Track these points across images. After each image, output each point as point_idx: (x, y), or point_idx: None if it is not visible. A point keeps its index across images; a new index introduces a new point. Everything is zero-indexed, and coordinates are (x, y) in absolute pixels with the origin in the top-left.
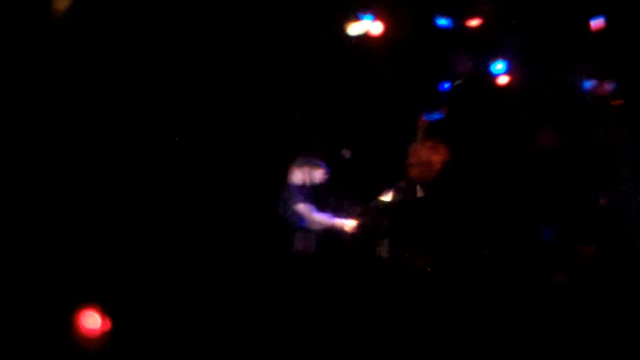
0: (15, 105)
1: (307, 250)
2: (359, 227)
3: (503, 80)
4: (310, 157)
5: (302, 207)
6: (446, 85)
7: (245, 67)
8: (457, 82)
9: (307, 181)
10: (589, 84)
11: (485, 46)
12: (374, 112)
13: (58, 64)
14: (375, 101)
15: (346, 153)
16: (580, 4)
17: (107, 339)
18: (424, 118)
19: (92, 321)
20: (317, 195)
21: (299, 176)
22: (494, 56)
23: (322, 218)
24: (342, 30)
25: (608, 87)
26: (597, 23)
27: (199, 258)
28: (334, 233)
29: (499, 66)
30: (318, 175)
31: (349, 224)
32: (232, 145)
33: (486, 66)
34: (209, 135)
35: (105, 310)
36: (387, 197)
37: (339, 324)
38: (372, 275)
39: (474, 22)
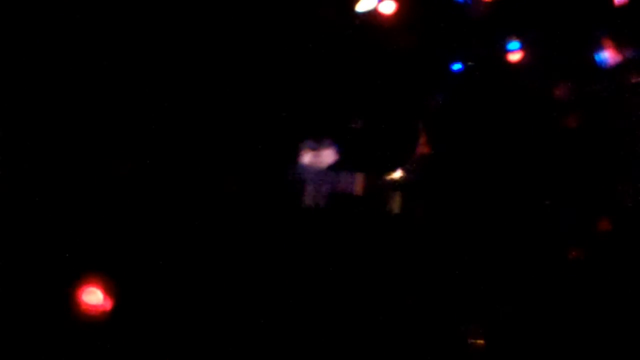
0: (15, 105)
1: (315, 205)
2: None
3: (517, 56)
4: (319, 137)
5: (308, 187)
6: (459, 66)
7: (255, 40)
8: (470, 63)
9: (317, 161)
10: (610, 60)
11: (501, 23)
12: (384, 91)
13: (58, 64)
14: (386, 81)
15: (357, 125)
16: None
17: (110, 316)
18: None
19: (94, 298)
20: (326, 176)
21: (308, 156)
22: (511, 34)
23: (327, 198)
24: (350, 7)
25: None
26: None
27: (205, 234)
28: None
29: (513, 44)
30: (327, 155)
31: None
32: (240, 124)
33: (502, 44)
34: (219, 113)
35: (108, 287)
36: (397, 176)
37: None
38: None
39: None
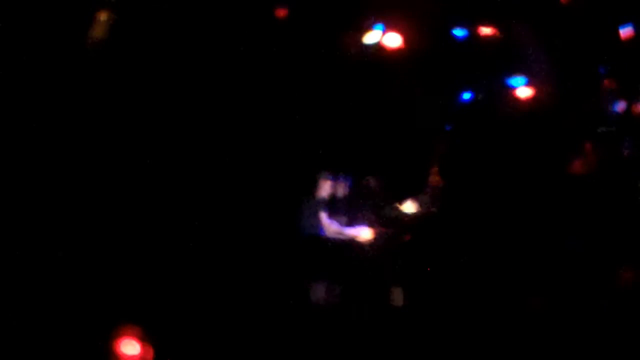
0: (15, 106)
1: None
2: (378, 238)
3: (524, 93)
4: (332, 169)
5: (322, 218)
6: (465, 97)
7: (261, 78)
8: (478, 95)
9: (329, 193)
10: (617, 104)
11: (504, 57)
12: (393, 123)
13: (58, 64)
14: (394, 113)
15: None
16: (606, 11)
17: None
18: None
19: (130, 348)
20: (338, 207)
21: (321, 188)
22: (514, 68)
23: (341, 229)
24: (358, 40)
25: None
26: (626, 32)
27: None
28: (353, 244)
29: (518, 80)
30: (340, 187)
31: (367, 235)
32: (254, 154)
33: (505, 78)
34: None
35: (144, 337)
36: (409, 208)
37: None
38: (387, 286)
39: (492, 32)
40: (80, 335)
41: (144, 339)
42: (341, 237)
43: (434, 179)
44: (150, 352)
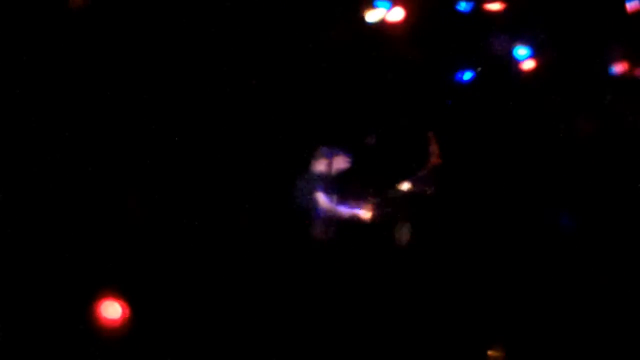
0: (15, 106)
1: (324, 238)
2: (377, 216)
3: (528, 65)
4: (331, 146)
5: (321, 197)
6: (467, 74)
7: (266, 54)
8: (479, 69)
9: (328, 171)
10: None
11: (508, 31)
12: (393, 101)
13: (58, 64)
14: (394, 90)
15: (371, 140)
16: None
17: (128, 327)
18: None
19: (112, 310)
20: (337, 185)
21: (319, 165)
22: (518, 41)
23: (340, 208)
24: (360, 17)
25: None
26: (633, 5)
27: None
28: (352, 222)
29: (522, 51)
30: (339, 164)
31: (367, 214)
32: (251, 133)
33: (510, 52)
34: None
35: (126, 299)
36: (406, 187)
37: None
38: (389, 265)
39: (496, 6)
40: (62, 298)
41: (125, 301)
42: (338, 215)
43: (434, 158)
44: (131, 315)
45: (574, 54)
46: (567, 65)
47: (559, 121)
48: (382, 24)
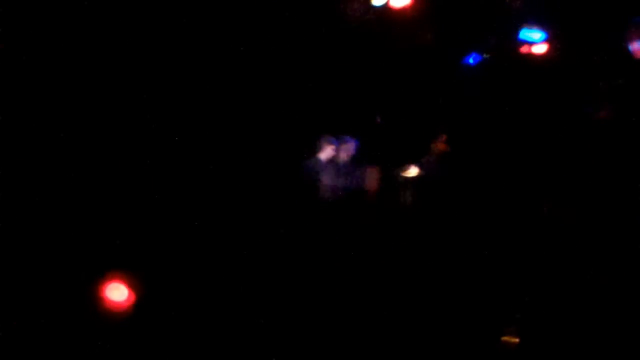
0: (15, 106)
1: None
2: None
3: (540, 49)
4: (337, 133)
5: (326, 179)
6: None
7: (271, 37)
8: (487, 55)
9: (335, 155)
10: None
11: (519, 13)
12: (399, 86)
13: (58, 64)
14: (401, 75)
15: (377, 118)
16: None
17: (133, 310)
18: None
19: (118, 293)
20: (343, 170)
21: (326, 150)
22: (529, 23)
23: (344, 189)
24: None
25: None
26: None
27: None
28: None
29: (535, 34)
30: (345, 149)
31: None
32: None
33: (519, 34)
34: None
35: (131, 282)
36: (411, 172)
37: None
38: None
39: None
40: (68, 281)
41: (130, 284)
42: (344, 196)
43: (440, 144)
44: (136, 298)
45: (587, 37)
46: (580, 49)
47: (570, 107)
48: (388, 7)
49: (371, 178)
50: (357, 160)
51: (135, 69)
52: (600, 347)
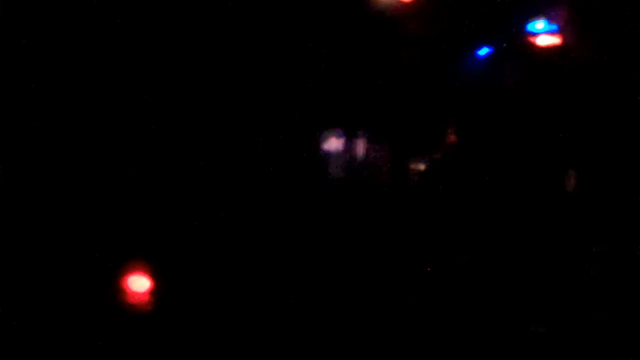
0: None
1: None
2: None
3: (551, 41)
4: (345, 128)
5: (334, 172)
6: (482, 52)
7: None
8: (496, 46)
9: (343, 151)
10: None
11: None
12: (407, 81)
13: (58, 64)
14: (409, 70)
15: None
16: None
17: (155, 301)
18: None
19: (139, 284)
20: (352, 162)
21: (333, 145)
22: (540, 15)
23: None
24: None
25: None
26: None
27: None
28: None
29: (540, 25)
30: (354, 145)
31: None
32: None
33: (530, 27)
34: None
35: (152, 273)
36: (420, 167)
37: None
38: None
39: None
40: (89, 272)
41: (152, 275)
42: (352, 189)
43: (450, 137)
44: (158, 289)
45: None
46: (594, 43)
47: (582, 104)
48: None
49: (380, 171)
50: (366, 153)
51: (136, 69)
52: (600, 346)
